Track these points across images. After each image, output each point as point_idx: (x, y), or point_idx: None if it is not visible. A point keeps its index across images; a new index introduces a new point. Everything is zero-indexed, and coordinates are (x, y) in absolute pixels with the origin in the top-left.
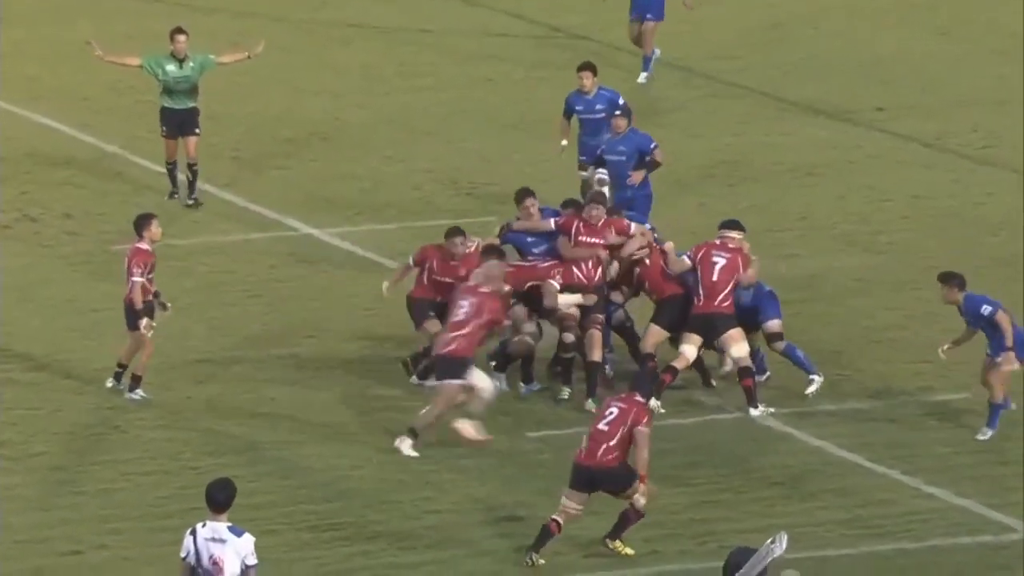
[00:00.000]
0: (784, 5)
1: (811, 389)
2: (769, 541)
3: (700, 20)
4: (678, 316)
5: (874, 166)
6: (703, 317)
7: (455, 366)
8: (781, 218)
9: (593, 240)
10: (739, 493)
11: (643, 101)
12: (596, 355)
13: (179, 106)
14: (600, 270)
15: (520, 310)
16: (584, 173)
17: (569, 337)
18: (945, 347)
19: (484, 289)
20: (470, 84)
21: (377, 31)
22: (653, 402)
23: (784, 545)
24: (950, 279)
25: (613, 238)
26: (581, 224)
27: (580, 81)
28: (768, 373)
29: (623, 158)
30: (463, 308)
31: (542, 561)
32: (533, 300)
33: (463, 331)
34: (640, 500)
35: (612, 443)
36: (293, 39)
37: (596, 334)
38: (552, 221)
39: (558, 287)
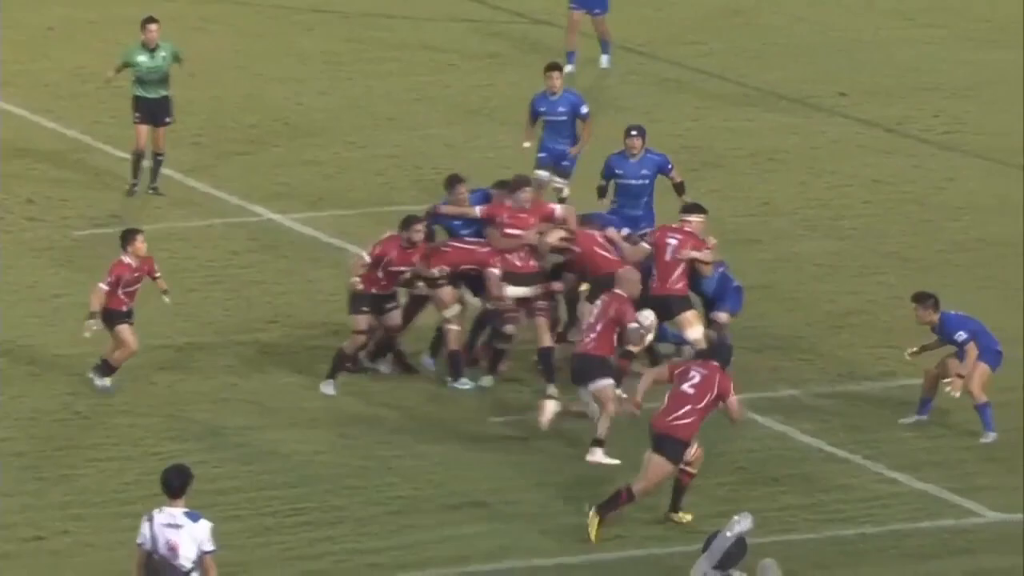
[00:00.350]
0: None
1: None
2: (734, 519)
3: (662, 4)
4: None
5: (836, 151)
6: (658, 299)
7: (598, 365)
8: (743, 204)
9: (519, 231)
10: (703, 478)
11: (605, 86)
12: (546, 341)
13: (152, 95)
14: (535, 258)
15: (448, 291)
16: (542, 173)
17: (510, 329)
18: (912, 350)
19: (617, 290)
20: (433, 70)
21: (340, 16)
22: (617, 390)
23: (747, 524)
24: (925, 299)
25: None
26: (506, 214)
27: (548, 81)
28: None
29: (646, 181)
30: (597, 308)
31: (688, 517)
32: (472, 282)
33: (595, 332)
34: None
35: (699, 406)
36: (255, 24)
37: (542, 321)
38: (477, 209)
39: (499, 274)
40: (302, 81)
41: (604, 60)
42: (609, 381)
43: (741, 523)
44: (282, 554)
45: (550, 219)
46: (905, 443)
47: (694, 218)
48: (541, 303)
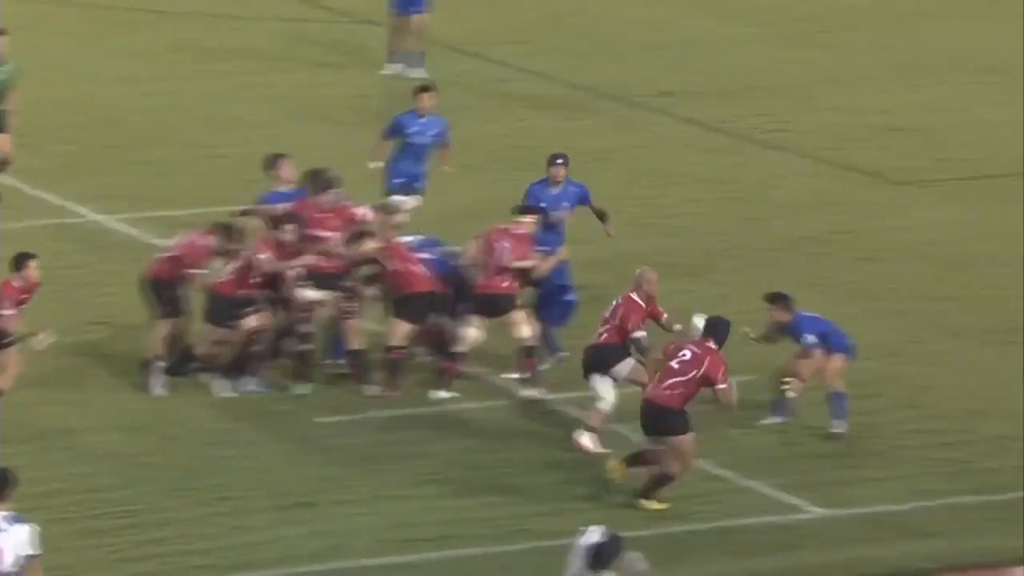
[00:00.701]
0: None
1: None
2: (583, 530)
3: (491, 4)
4: (423, 310)
5: (661, 151)
6: (486, 297)
7: (615, 352)
8: None
9: (323, 233)
10: (530, 476)
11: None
12: (356, 343)
13: None
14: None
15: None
16: (397, 198)
17: (307, 328)
18: (752, 335)
19: (631, 294)
20: (259, 71)
21: (166, 17)
22: (444, 393)
23: (596, 537)
24: (779, 300)
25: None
26: (310, 215)
27: (419, 102)
28: (562, 353)
29: (567, 213)
30: (612, 305)
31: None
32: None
33: (609, 325)
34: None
35: (682, 379)
36: (81, 24)
37: (351, 324)
38: (280, 207)
39: (296, 275)
40: (128, 81)
41: (418, 71)
42: (632, 361)
43: (591, 535)
44: (109, 556)
45: (354, 221)
46: (732, 441)
47: (528, 219)
48: (348, 305)
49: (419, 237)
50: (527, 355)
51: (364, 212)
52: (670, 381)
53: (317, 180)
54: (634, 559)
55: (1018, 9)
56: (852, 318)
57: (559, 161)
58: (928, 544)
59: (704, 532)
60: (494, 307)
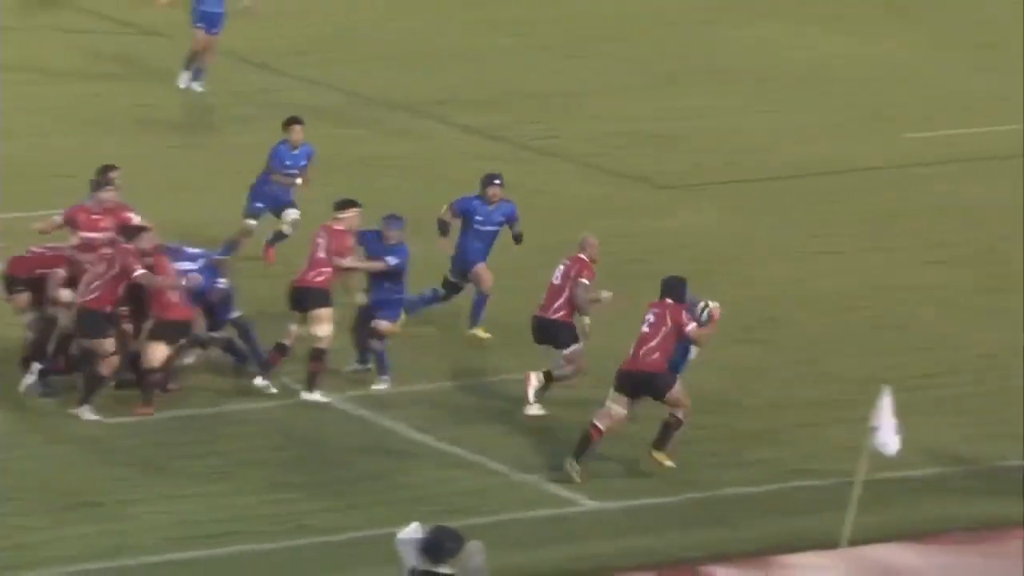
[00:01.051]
0: (354, 2)
1: (380, 387)
2: (405, 529)
3: (275, 15)
4: (176, 337)
5: (440, 158)
6: (297, 290)
7: (565, 331)
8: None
9: (93, 235)
10: (312, 473)
11: (221, 97)
12: (131, 346)
13: None
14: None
15: (23, 298)
16: (252, 222)
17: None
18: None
19: (579, 255)
20: (45, 81)
21: None
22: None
23: (417, 533)
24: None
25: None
26: (83, 216)
27: (291, 135)
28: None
29: (498, 228)
30: (559, 272)
31: (577, 469)
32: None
33: (562, 297)
34: (678, 413)
35: (654, 343)
36: None
37: (125, 328)
38: (60, 216)
39: (63, 276)
40: None
41: (196, 85)
42: (580, 346)
43: (414, 531)
44: None
45: (127, 224)
46: (509, 436)
47: (347, 213)
48: (122, 308)
49: (200, 249)
50: (314, 357)
51: (139, 219)
52: (648, 346)
53: (94, 182)
54: (474, 551)
55: (775, 18)
56: (623, 320)
57: (496, 182)
58: (699, 533)
59: (482, 526)
60: (303, 300)
